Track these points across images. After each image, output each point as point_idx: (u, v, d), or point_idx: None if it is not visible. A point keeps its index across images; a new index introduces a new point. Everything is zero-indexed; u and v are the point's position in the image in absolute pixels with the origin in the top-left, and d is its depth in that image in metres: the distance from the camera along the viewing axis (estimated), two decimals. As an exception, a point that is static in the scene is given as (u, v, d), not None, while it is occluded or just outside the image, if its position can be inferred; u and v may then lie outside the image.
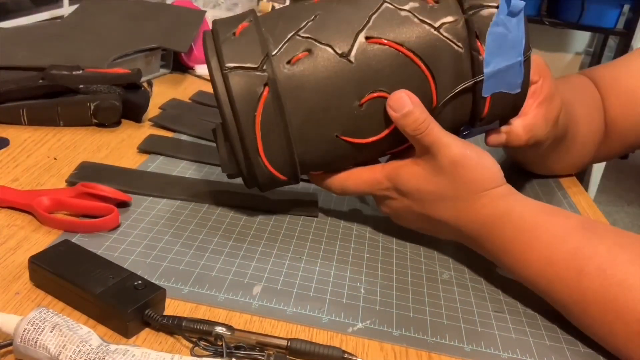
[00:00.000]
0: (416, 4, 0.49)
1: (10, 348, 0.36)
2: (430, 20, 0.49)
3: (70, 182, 0.57)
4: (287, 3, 1.31)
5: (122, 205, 0.54)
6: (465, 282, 0.51)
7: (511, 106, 0.53)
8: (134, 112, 0.75)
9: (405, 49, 0.48)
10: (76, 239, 0.49)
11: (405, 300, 0.48)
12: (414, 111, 0.48)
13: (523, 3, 0.48)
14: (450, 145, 0.48)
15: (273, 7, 1.27)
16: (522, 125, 0.57)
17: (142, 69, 0.79)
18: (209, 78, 1.00)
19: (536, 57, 0.58)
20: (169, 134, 0.73)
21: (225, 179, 0.63)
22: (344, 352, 0.40)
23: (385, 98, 0.49)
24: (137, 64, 0.88)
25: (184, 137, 0.73)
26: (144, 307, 0.40)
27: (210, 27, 0.52)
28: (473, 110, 0.52)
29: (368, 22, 0.49)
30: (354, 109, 0.49)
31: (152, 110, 0.77)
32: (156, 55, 0.93)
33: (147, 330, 0.40)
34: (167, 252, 0.49)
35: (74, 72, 0.71)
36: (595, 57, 2.66)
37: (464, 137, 0.54)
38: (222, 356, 0.38)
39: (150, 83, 0.79)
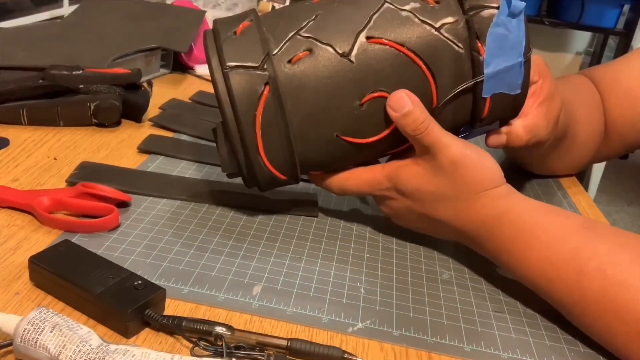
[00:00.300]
0: (417, 4, 0.49)
1: (10, 348, 0.36)
2: (431, 21, 0.49)
3: (70, 182, 0.57)
4: (287, 3, 1.31)
5: (122, 205, 0.54)
6: (465, 282, 0.51)
7: (511, 107, 0.53)
8: (134, 112, 0.75)
9: (406, 49, 0.49)
10: (76, 239, 0.49)
11: (405, 300, 0.48)
12: (414, 111, 0.48)
13: (523, 4, 0.48)
14: (450, 145, 0.48)
15: (273, 7, 1.27)
16: (523, 126, 0.57)
17: (142, 69, 0.79)
18: (209, 78, 1.00)
19: (536, 57, 0.58)
20: (169, 134, 0.73)
21: (225, 179, 0.63)
22: (344, 352, 0.40)
23: (386, 98, 0.49)
24: (137, 64, 0.88)
25: (184, 137, 0.73)
26: (144, 307, 0.40)
27: (211, 27, 0.52)
28: (473, 111, 0.52)
29: (369, 22, 0.49)
30: (355, 108, 0.49)
31: (152, 110, 0.77)
32: (156, 55, 0.93)
33: (147, 330, 0.40)
34: (167, 252, 0.49)
35: (74, 72, 0.71)
36: (595, 57, 2.66)
37: (465, 137, 0.54)
38: (222, 356, 0.38)
39: (150, 83, 0.79)
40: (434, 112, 0.50)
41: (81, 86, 0.70)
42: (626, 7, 2.30)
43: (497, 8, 0.48)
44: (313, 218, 0.58)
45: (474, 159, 0.49)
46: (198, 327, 0.40)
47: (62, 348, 0.34)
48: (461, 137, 0.51)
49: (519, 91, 0.51)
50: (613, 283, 0.42)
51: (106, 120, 0.72)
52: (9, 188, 0.53)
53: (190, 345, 0.39)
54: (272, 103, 0.48)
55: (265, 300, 0.45)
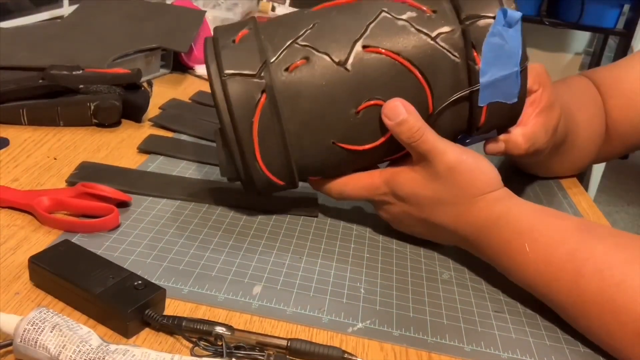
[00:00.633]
0: (414, 14, 0.50)
1: (10, 348, 0.36)
2: (427, 30, 0.49)
3: (70, 182, 0.57)
4: (287, 3, 1.31)
5: (122, 205, 0.54)
6: (465, 282, 0.51)
7: (508, 116, 0.53)
8: (134, 112, 0.75)
9: (402, 58, 0.49)
10: (76, 239, 0.49)
11: (405, 300, 0.48)
12: (409, 119, 0.48)
13: (520, 14, 0.49)
14: (446, 151, 0.49)
15: (273, 7, 1.27)
16: (522, 134, 0.57)
17: (142, 69, 0.79)
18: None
19: (537, 65, 0.58)
20: (169, 134, 0.73)
21: (225, 179, 0.63)
22: (344, 352, 0.40)
23: (381, 106, 0.49)
24: (137, 64, 0.88)
25: (184, 137, 0.73)
26: (144, 307, 0.40)
27: (211, 28, 0.53)
28: (470, 120, 0.52)
29: (365, 31, 0.49)
30: (351, 116, 0.49)
31: (152, 110, 0.77)
32: (156, 55, 0.93)
33: (147, 330, 0.40)
34: (167, 252, 0.49)
35: (74, 72, 0.71)
36: (595, 57, 2.66)
37: (463, 145, 0.54)
38: (222, 356, 0.38)
39: (150, 83, 0.79)
40: (429, 120, 0.50)
41: (81, 86, 0.70)
42: (626, 7, 2.30)
43: (493, 18, 0.49)
44: (313, 218, 0.58)
45: (470, 164, 0.49)
46: (198, 327, 0.40)
47: (62, 348, 0.34)
48: (459, 144, 0.51)
49: (515, 100, 0.51)
50: (610, 284, 0.42)
51: (106, 120, 0.72)
52: (9, 188, 0.53)
53: (190, 345, 0.39)
54: (268, 110, 0.49)
55: (265, 300, 0.45)
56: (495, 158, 0.52)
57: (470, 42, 0.49)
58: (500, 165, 0.74)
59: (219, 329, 0.40)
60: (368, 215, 0.61)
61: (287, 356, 0.39)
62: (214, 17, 1.13)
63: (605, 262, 0.43)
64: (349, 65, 0.49)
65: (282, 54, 0.49)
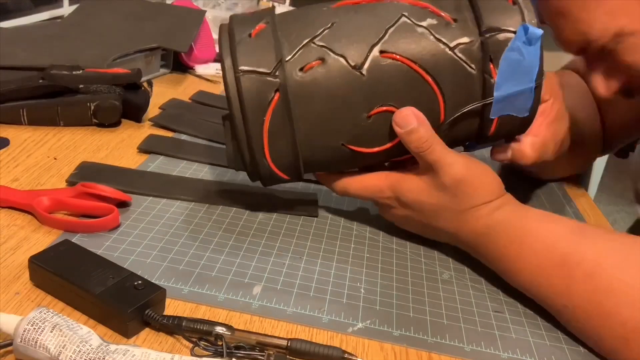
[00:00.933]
0: (434, 21, 0.49)
1: (10, 348, 0.36)
2: (446, 40, 0.49)
3: (70, 182, 0.57)
4: (287, 2, 1.31)
5: (122, 205, 0.54)
6: (465, 282, 0.51)
7: (518, 127, 0.53)
8: (134, 112, 0.75)
9: (418, 67, 0.49)
10: (76, 239, 0.49)
11: (405, 300, 0.48)
12: (419, 129, 0.48)
13: (541, 31, 0.48)
14: (454, 164, 0.49)
15: (273, 7, 1.27)
16: (531, 145, 0.56)
17: (142, 69, 0.79)
18: (209, 78, 1.00)
19: (550, 75, 0.57)
20: (169, 134, 0.73)
21: (225, 178, 0.63)
22: (344, 352, 0.40)
23: (393, 112, 0.49)
24: (137, 64, 0.88)
25: (184, 137, 0.73)
26: (144, 307, 0.40)
27: (215, 25, 0.52)
28: (479, 129, 0.52)
29: (384, 35, 0.49)
30: (362, 120, 0.49)
31: (152, 110, 0.77)
32: (156, 55, 0.93)
33: (147, 330, 0.40)
34: (167, 252, 0.49)
35: (74, 72, 0.71)
36: (595, 57, 2.65)
37: (469, 150, 0.54)
38: (222, 356, 0.38)
39: (150, 83, 0.79)
40: (440, 129, 0.50)
41: (81, 86, 0.70)
42: (626, 7, 2.30)
43: (514, 33, 0.48)
44: (313, 218, 0.58)
45: (476, 176, 0.49)
46: (198, 327, 0.40)
47: (62, 348, 0.34)
48: (466, 150, 0.51)
49: (527, 114, 0.51)
50: (599, 288, 0.43)
51: (106, 120, 0.72)
52: (9, 188, 0.53)
53: (190, 345, 0.39)
54: (280, 109, 0.48)
55: (265, 300, 0.45)
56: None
57: (489, 55, 0.49)
58: (501, 167, 0.74)
59: (219, 329, 0.40)
60: (368, 215, 0.61)
61: (287, 356, 0.39)
62: (214, 17, 1.13)
63: (596, 267, 0.44)
64: (364, 70, 0.48)
65: (297, 53, 0.49)
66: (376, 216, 0.59)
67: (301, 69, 0.48)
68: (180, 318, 0.40)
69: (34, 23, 1.01)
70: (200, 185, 0.61)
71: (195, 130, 0.74)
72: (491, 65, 0.49)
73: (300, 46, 0.49)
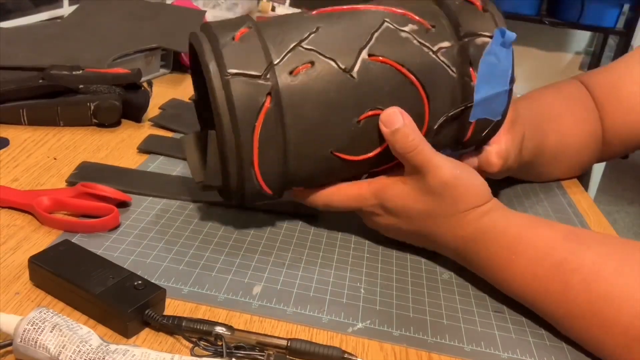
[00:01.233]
0: (415, 27, 0.50)
1: (10, 348, 0.36)
2: (429, 44, 0.50)
3: (70, 182, 0.57)
4: (287, 3, 1.31)
5: (122, 205, 0.54)
6: (465, 282, 0.51)
7: (489, 132, 0.54)
8: (134, 112, 0.75)
9: (406, 70, 0.49)
10: (76, 239, 0.49)
11: (405, 300, 0.48)
12: (404, 129, 0.48)
13: (515, 35, 0.50)
14: (441, 166, 0.48)
15: (273, 7, 1.27)
16: (496, 152, 0.56)
17: (142, 69, 0.79)
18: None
19: None
20: (169, 134, 0.73)
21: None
22: (344, 352, 0.40)
23: None
24: (137, 64, 0.88)
25: (184, 137, 0.73)
26: (144, 307, 0.40)
27: (201, 29, 0.50)
28: (457, 134, 0.53)
29: (370, 39, 0.49)
30: (352, 125, 0.49)
31: (152, 110, 0.77)
32: (156, 55, 0.93)
33: (147, 330, 0.40)
34: (167, 252, 0.49)
35: (74, 72, 0.71)
36: (595, 57, 2.66)
37: None
38: (222, 356, 0.38)
39: (150, 83, 0.79)
40: (427, 134, 0.51)
41: (81, 86, 0.70)
42: (626, 7, 2.31)
43: (491, 37, 0.50)
44: (314, 218, 0.58)
45: (463, 179, 0.49)
46: (198, 327, 0.40)
47: (62, 348, 0.34)
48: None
49: (499, 118, 0.53)
50: (597, 296, 0.42)
51: (106, 120, 0.72)
52: (9, 188, 0.53)
53: (190, 345, 0.39)
54: (272, 115, 0.46)
55: (265, 300, 0.45)
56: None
57: (468, 59, 0.50)
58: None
59: (219, 329, 0.40)
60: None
61: (287, 356, 0.39)
62: (214, 17, 1.13)
63: (593, 274, 0.43)
64: (354, 73, 0.48)
65: (286, 56, 0.47)
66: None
67: (290, 73, 0.47)
68: (180, 318, 0.40)
69: (34, 23, 1.01)
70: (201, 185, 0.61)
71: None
72: (471, 69, 0.50)
73: (288, 49, 0.47)
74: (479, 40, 0.50)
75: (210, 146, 0.49)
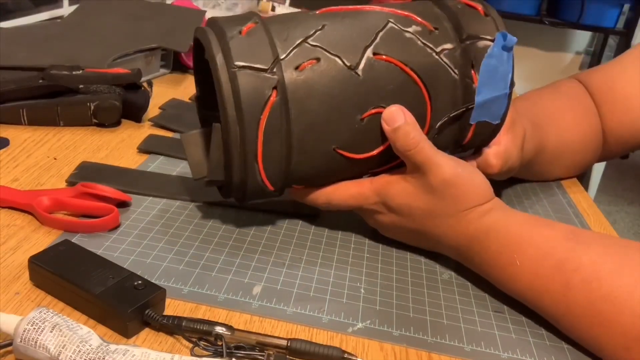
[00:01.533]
0: (419, 28, 0.51)
1: (10, 348, 0.36)
2: (432, 45, 0.50)
3: (70, 182, 0.57)
4: (287, 3, 1.31)
5: (122, 205, 0.54)
6: (465, 282, 0.51)
7: (488, 135, 0.55)
8: (134, 112, 0.75)
9: (409, 69, 0.49)
10: (76, 239, 0.49)
11: (405, 300, 0.48)
12: (405, 126, 0.48)
13: (516, 39, 0.51)
14: (443, 165, 0.48)
15: (273, 6, 1.27)
16: (494, 154, 0.57)
17: (142, 69, 0.79)
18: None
19: None
20: (169, 134, 0.73)
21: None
22: (344, 352, 0.40)
23: None
24: (137, 64, 0.88)
25: (184, 137, 0.73)
26: (144, 307, 0.40)
27: (207, 24, 0.51)
28: (457, 136, 0.53)
29: (375, 38, 0.49)
30: (356, 122, 0.49)
31: (152, 110, 0.77)
32: (156, 55, 0.93)
33: (147, 330, 0.40)
34: (167, 252, 0.49)
35: (74, 72, 0.71)
36: (595, 57, 2.66)
37: None
38: (222, 356, 0.38)
39: (150, 83, 0.79)
40: (428, 134, 0.51)
41: (81, 86, 0.70)
42: (626, 7, 2.31)
43: (492, 40, 0.51)
44: (314, 218, 0.58)
45: (465, 178, 0.49)
46: (198, 327, 0.40)
47: (62, 348, 0.34)
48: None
49: (499, 121, 0.53)
50: (598, 296, 0.42)
51: (106, 120, 0.72)
52: (9, 188, 0.53)
53: (190, 345, 0.39)
54: (278, 109, 0.47)
55: (265, 300, 0.45)
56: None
57: (470, 61, 0.51)
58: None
59: (219, 329, 0.40)
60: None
61: (287, 356, 0.39)
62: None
63: (593, 273, 0.43)
64: (359, 70, 0.48)
65: (292, 52, 0.48)
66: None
67: (296, 68, 0.47)
68: (180, 318, 0.40)
69: (34, 23, 1.00)
70: (200, 185, 0.61)
71: (195, 130, 0.74)
72: (472, 71, 0.51)
73: (295, 45, 0.48)
74: (481, 43, 0.51)
75: (214, 139, 0.49)
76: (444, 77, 0.50)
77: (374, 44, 0.49)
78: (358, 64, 0.48)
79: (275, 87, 0.46)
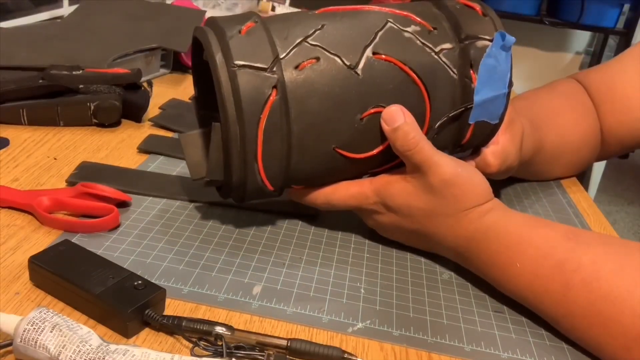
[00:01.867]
0: (418, 28, 0.51)
1: (10, 348, 0.36)
2: (431, 45, 0.50)
3: (70, 182, 0.57)
4: (287, 3, 1.31)
5: (122, 205, 0.54)
6: (465, 282, 0.51)
7: (487, 135, 0.55)
8: (134, 112, 0.75)
9: (409, 69, 0.49)
10: (76, 239, 0.49)
11: (405, 300, 0.48)
12: (405, 126, 0.48)
13: (514, 39, 0.51)
14: (442, 164, 0.48)
15: (273, 7, 1.27)
16: (492, 153, 0.57)
17: (142, 69, 0.79)
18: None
19: None
20: (169, 134, 0.73)
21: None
22: (344, 352, 0.40)
23: None
24: (137, 64, 0.88)
25: (184, 137, 0.73)
26: (144, 307, 0.40)
27: (206, 24, 0.51)
28: (456, 136, 0.53)
29: (374, 38, 0.49)
30: (355, 122, 0.49)
31: (152, 110, 0.77)
32: (156, 55, 0.93)
33: (147, 330, 0.40)
34: (167, 252, 0.49)
35: (74, 72, 0.71)
36: (595, 57, 2.66)
37: None
38: (222, 356, 0.38)
39: (150, 83, 0.79)
40: (427, 134, 0.51)
41: (81, 86, 0.70)
42: (626, 7, 2.30)
43: (491, 40, 0.51)
44: (313, 218, 0.58)
45: (464, 178, 0.49)
46: (198, 327, 0.40)
47: (62, 348, 0.34)
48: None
49: (497, 121, 0.54)
50: (598, 297, 0.42)
51: (106, 120, 0.72)
52: (9, 188, 0.53)
53: (190, 345, 0.39)
54: (277, 108, 0.47)
55: (265, 300, 0.45)
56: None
57: (469, 61, 0.51)
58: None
59: (219, 329, 0.40)
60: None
61: (287, 356, 0.39)
62: (214, 17, 1.13)
63: (593, 273, 0.43)
64: (359, 70, 0.48)
65: (292, 51, 0.48)
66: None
67: (296, 67, 0.47)
68: (180, 318, 0.40)
69: (34, 23, 1.01)
70: (200, 185, 0.61)
71: (195, 130, 0.74)
72: (471, 71, 0.51)
73: (294, 44, 0.48)
74: (480, 43, 0.51)
75: (213, 139, 0.49)
76: (443, 76, 0.50)
77: (373, 43, 0.49)
78: (358, 63, 0.48)
79: (275, 86, 0.46)
